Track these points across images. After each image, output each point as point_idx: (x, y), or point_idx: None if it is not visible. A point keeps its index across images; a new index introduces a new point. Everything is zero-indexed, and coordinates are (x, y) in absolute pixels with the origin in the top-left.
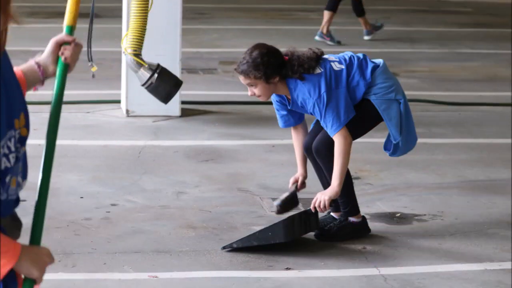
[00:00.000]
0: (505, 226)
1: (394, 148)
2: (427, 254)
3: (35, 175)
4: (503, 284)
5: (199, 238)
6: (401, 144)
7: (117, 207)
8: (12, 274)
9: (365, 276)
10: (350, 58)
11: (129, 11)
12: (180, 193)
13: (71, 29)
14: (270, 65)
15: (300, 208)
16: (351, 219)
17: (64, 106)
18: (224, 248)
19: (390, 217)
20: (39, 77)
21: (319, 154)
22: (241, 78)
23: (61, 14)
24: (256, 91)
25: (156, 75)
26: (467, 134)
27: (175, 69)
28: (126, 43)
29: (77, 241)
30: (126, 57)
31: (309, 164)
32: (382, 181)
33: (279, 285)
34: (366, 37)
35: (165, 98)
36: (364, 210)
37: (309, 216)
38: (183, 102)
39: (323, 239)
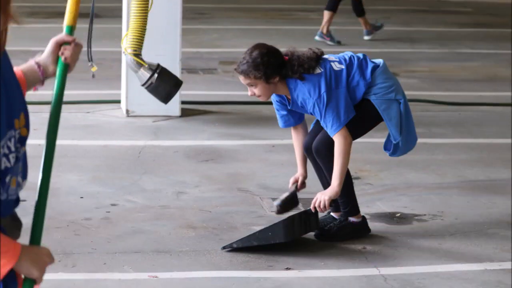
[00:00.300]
0: (505, 226)
1: (394, 148)
2: (427, 254)
3: (35, 175)
4: (503, 284)
5: (199, 238)
6: (401, 144)
7: (117, 207)
8: (12, 274)
9: (365, 276)
10: (350, 58)
11: (129, 11)
12: (180, 193)
13: (71, 29)
14: (270, 65)
15: (300, 208)
16: (351, 219)
17: (64, 106)
18: (224, 248)
19: (390, 217)
20: (39, 77)
21: (319, 154)
22: (241, 78)
23: (61, 14)
24: (256, 91)
25: (156, 75)
26: (467, 134)
27: (175, 69)
28: (126, 43)
29: (77, 241)
30: (126, 57)
31: (309, 164)
32: (382, 181)
33: (279, 285)
34: (366, 37)
35: (165, 98)
36: (364, 210)
37: (309, 216)
38: (183, 102)
39: (323, 239)
